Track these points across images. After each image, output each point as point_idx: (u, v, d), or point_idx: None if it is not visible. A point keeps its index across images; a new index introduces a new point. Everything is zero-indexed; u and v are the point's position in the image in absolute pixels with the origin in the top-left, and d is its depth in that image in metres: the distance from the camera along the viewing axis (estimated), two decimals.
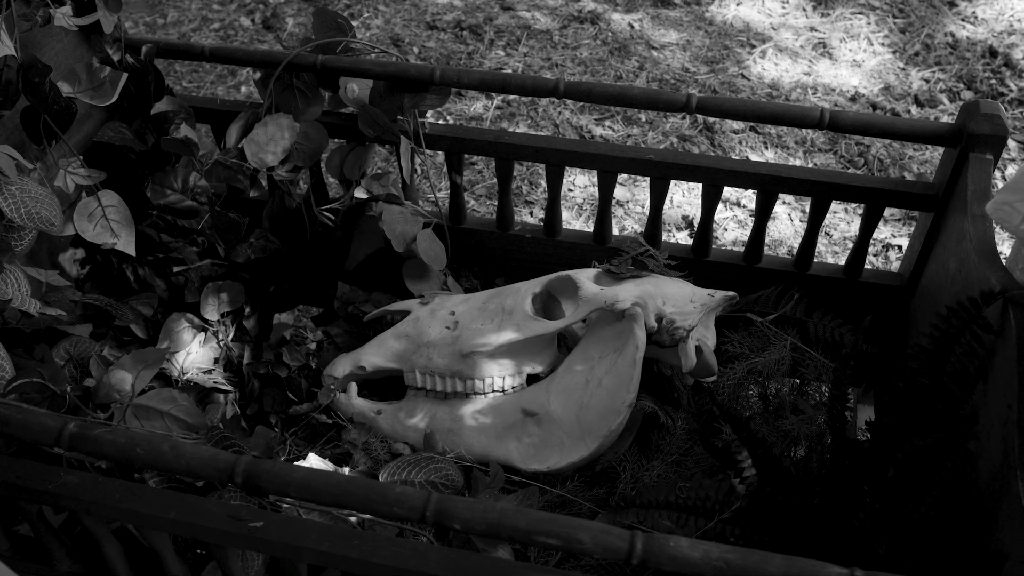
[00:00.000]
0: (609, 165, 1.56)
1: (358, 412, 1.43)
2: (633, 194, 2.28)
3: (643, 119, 2.51)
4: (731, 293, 1.40)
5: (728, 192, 2.26)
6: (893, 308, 1.59)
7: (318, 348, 1.54)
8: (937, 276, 1.43)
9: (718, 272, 1.63)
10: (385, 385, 1.52)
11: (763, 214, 1.56)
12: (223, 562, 1.07)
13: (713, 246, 1.71)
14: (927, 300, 1.47)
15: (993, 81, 2.62)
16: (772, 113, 1.45)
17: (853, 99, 2.58)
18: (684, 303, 1.37)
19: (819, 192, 1.51)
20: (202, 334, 1.52)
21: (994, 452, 1.10)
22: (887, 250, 2.14)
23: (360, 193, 1.57)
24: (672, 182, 1.96)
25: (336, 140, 1.64)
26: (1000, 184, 2.20)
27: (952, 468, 1.05)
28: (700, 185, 1.57)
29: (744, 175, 1.52)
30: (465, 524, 0.90)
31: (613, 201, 2.22)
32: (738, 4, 2.96)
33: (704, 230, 1.60)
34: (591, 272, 1.44)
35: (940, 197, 1.45)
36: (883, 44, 2.78)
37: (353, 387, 1.46)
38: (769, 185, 1.52)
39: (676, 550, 0.85)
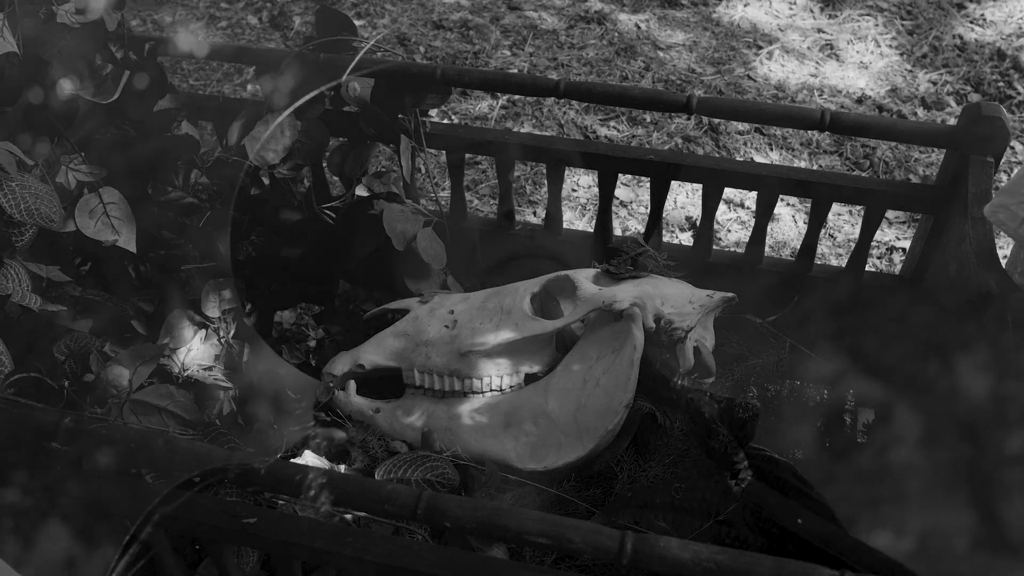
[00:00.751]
0: (609, 165, 1.56)
1: (356, 410, 1.43)
2: (637, 194, 2.28)
3: (648, 120, 2.50)
4: (730, 294, 1.39)
5: (732, 193, 2.25)
6: (894, 310, 1.58)
7: (318, 346, 1.55)
8: (937, 278, 1.42)
9: (719, 273, 1.63)
10: (384, 384, 1.52)
11: (764, 215, 1.56)
12: (218, 558, 1.08)
13: (716, 247, 1.71)
14: (927, 302, 1.46)
15: (1001, 84, 2.61)
16: (773, 114, 1.45)
17: (860, 101, 2.57)
18: (683, 304, 1.37)
19: (819, 194, 1.51)
20: (203, 331, 1.52)
21: (997, 447, 1.09)
22: (891, 252, 2.13)
23: (361, 191, 1.58)
24: (676, 183, 1.96)
25: (338, 138, 1.64)
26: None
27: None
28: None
29: (744, 176, 1.52)
30: (456, 522, 0.90)
31: (617, 201, 2.22)
32: (745, 5, 2.95)
33: (705, 231, 1.60)
34: (590, 272, 1.43)
35: (940, 199, 1.44)
36: (891, 46, 2.77)
37: (352, 385, 1.46)
38: (769, 186, 1.51)
39: (666, 551, 0.85)
